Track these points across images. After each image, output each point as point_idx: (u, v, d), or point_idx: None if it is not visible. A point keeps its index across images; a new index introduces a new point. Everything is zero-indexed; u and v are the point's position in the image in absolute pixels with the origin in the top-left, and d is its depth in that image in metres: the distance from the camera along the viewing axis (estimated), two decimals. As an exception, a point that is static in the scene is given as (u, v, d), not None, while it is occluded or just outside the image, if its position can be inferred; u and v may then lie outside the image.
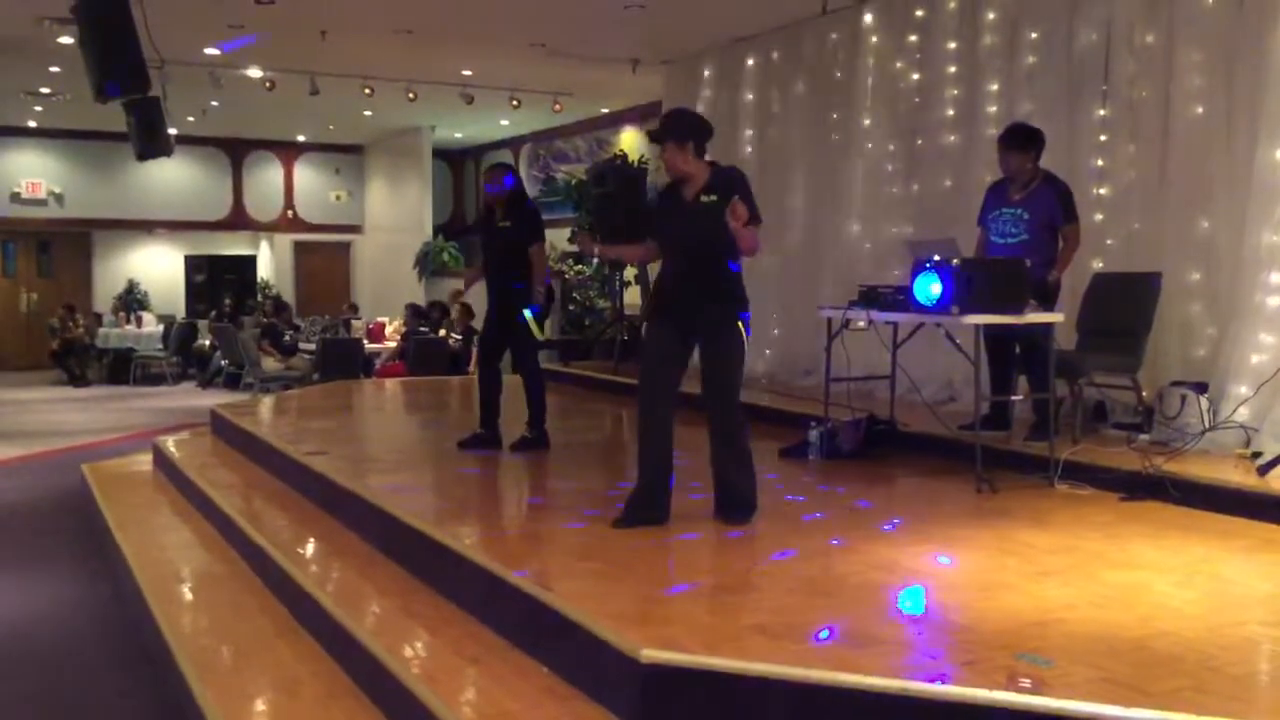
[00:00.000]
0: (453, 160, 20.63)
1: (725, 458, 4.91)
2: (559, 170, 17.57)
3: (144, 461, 8.78)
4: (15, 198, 18.32)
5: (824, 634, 3.46)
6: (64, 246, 19.53)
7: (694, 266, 4.87)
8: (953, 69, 8.43)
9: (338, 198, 20.76)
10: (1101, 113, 7.33)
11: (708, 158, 4.98)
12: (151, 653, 4.88)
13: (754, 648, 3.33)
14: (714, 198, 4.81)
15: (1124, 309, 6.52)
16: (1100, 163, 7.30)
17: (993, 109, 8.03)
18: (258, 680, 4.20)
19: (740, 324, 4.85)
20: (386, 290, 19.12)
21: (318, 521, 5.93)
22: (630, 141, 15.40)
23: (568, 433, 7.66)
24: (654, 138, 4.97)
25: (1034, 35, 7.77)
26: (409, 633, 4.17)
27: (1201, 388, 6.16)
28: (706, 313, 4.85)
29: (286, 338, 14.44)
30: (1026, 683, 3.00)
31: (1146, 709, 2.84)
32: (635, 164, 12.40)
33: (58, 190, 18.62)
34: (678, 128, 4.93)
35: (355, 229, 20.94)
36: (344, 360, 13.57)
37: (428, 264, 17.73)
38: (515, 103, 14.34)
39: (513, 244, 6.72)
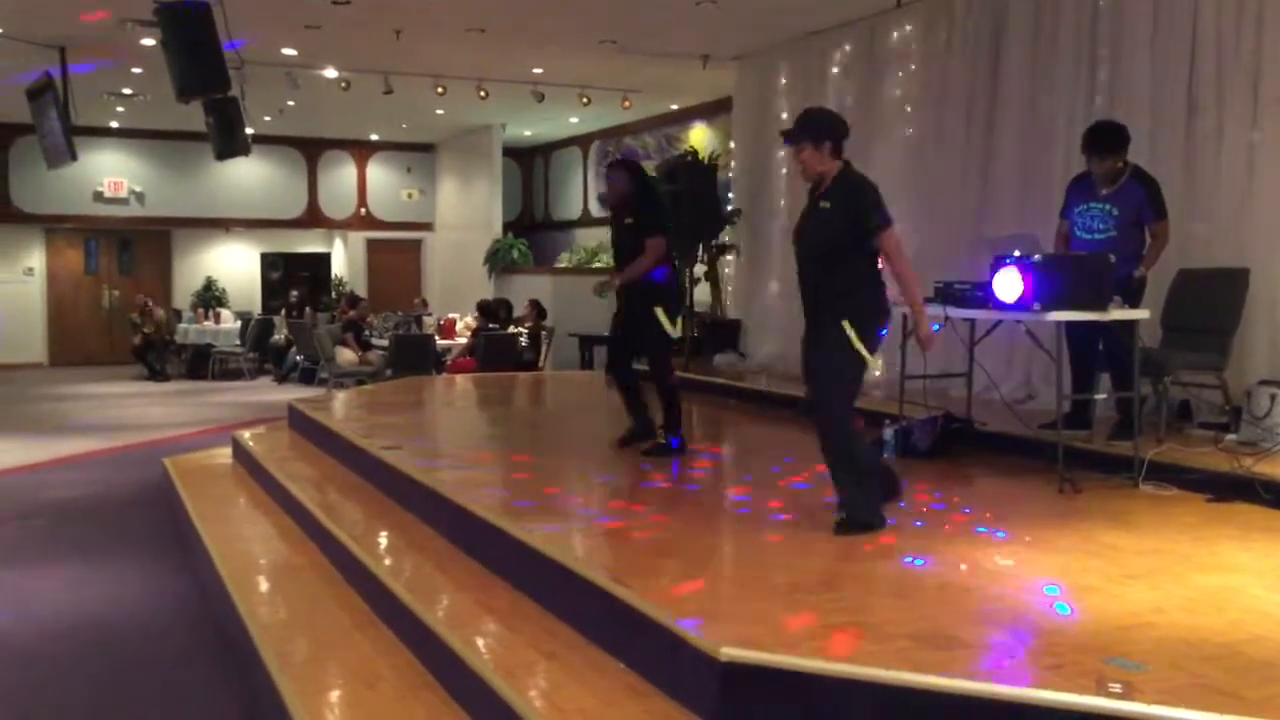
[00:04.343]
0: (522, 158, 20.75)
1: (829, 464, 4.77)
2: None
3: (223, 455, 8.95)
4: (98, 196, 18.79)
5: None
6: (144, 244, 19.99)
7: (809, 270, 4.79)
8: (1032, 63, 8.28)
9: (409, 196, 20.99)
10: (1186, 105, 7.16)
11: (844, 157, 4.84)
12: (233, 643, 4.97)
13: (834, 647, 3.30)
14: (829, 205, 4.71)
15: (1210, 306, 6.37)
16: (1186, 159, 7.13)
17: (1074, 103, 7.88)
18: (336, 672, 4.25)
19: (850, 330, 4.62)
20: (457, 287, 19.29)
21: (393, 515, 5.99)
22: (700, 138, 15.36)
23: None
24: (791, 138, 4.79)
25: (1118, 32, 7.61)
26: (486, 627, 4.19)
27: (1292, 387, 5.99)
28: (818, 318, 4.75)
29: (367, 333, 14.71)
30: (1117, 687, 2.93)
31: (1244, 716, 2.76)
32: (705, 160, 12.36)
33: (139, 189, 19.07)
34: (813, 128, 4.76)
35: (426, 226, 21.16)
36: (416, 356, 13.71)
37: (497, 261, 17.85)
38: (585, 100, 14.38)
39: (637, 241, 6.37)
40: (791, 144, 4.83)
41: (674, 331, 6.37)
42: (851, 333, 4.61)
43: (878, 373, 4.82)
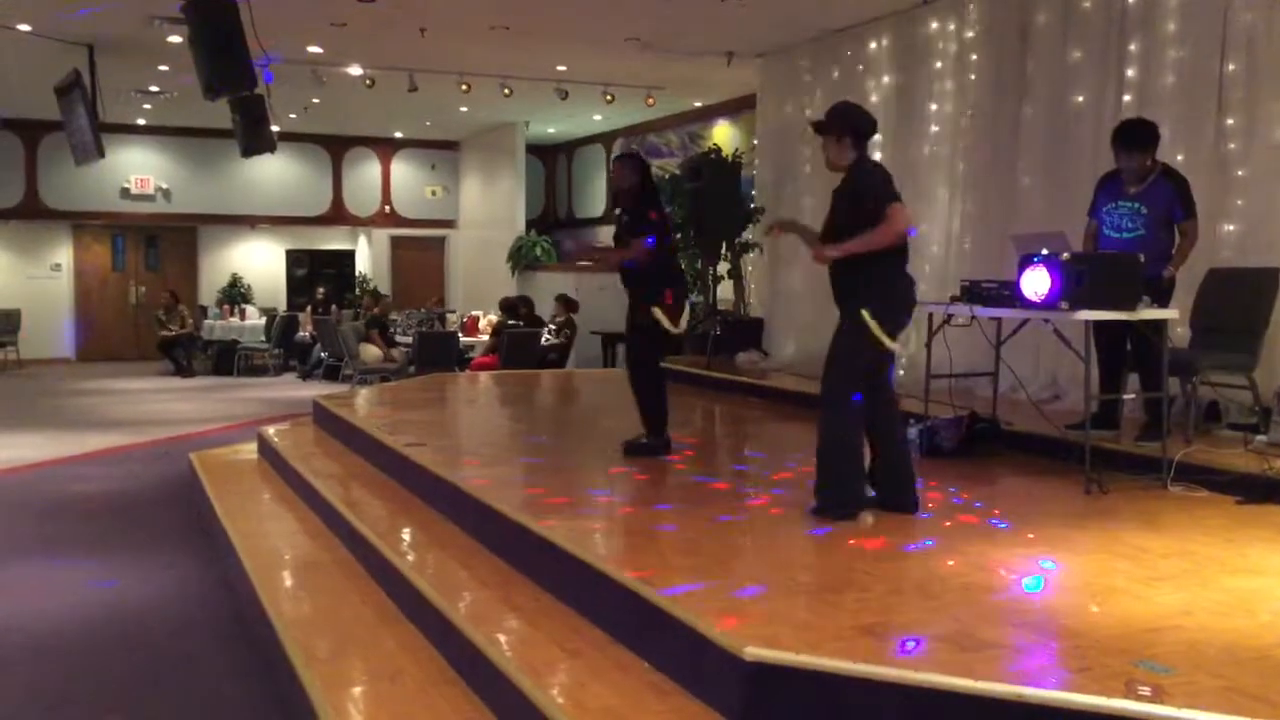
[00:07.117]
0: (545, 155, 20.76)
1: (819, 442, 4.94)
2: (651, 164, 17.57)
3: (249, 450, 9.00)
4: (125, 193, 18.92)
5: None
6: (171, 241, 20.13)
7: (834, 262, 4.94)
8: (1060, 60, 8.21)
9: (433, 193, 21.04)
10: (1216, 106, 7.08)
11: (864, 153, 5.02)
12: (258, 637, 4.99)
13: (858, 648, 3.28)
14: (840, 193, 4.99)
15: (1240, 306, 6.31)
16: (1215, 157, 7.06)
17: (1103, 101, 7.82)
18: (360, 666, 4.26)
19: (856, 319, 4.79)
20: (480, 284, 19.33)
21: (417, 511, 6.01)
22: (723, 135, 15.32)
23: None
24: (817, 129, 5.02)
25: (1147, 29, 7.54)
26: (509, 624, 4.19)
27: (1323, 388, 5.92)
28: (840, 307, 4.93)
29: (391, 330, 14.79)
30: (1146, 690, 2.90)
31: (1276, 721, 2.73)
32: (729, 158, 12.32)
33: (165, 186, 19.19)
34: (834, 121, 4.97)
35: (450, 224, 21.21)
36: (439, 353, 13.76)
37: (520, 259, 17.89)
38: (608, 97, 14.37)
39: (629, 236, 6.31)
40: (818, 134, 5.03)
41: (672, 328, 6.21)
42: (871, 321, 4.76)
43: (902, 359, 5.01)
